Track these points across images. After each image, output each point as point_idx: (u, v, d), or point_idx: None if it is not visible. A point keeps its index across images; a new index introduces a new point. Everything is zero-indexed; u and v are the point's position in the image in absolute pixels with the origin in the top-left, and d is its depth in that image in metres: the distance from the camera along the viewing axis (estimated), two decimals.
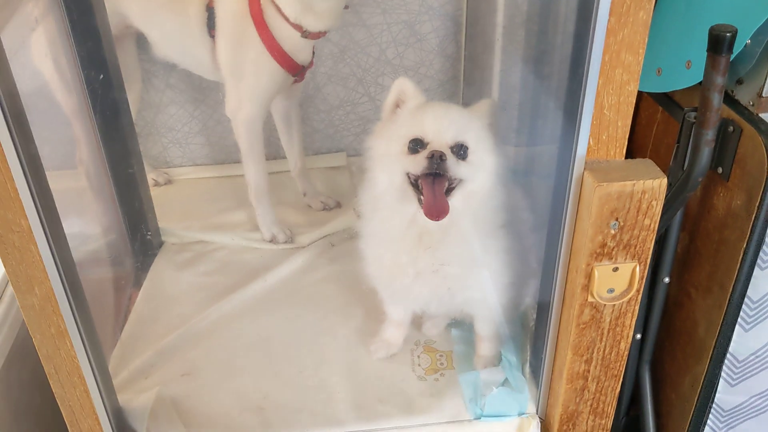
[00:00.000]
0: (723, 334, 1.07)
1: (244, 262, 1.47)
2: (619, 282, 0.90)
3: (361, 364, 1.20)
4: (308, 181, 1.63)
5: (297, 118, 1.56)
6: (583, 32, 0.78)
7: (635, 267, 0.89)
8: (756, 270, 1.01)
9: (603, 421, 1.05)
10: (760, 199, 0.96)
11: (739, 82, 1.02)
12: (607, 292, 0.90)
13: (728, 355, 1.09)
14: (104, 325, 1.25)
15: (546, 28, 1.18)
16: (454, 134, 0.97)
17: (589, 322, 0.93)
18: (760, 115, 0.99)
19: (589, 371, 0.98)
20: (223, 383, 1.17)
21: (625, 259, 0.88)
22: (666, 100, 1.21)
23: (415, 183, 0.97)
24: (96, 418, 0.98)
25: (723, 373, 1.11)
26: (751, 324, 1.06)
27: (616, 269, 0.88)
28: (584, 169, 0.85)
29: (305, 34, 1.30)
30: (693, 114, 1.00)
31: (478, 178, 0.99)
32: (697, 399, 1.15)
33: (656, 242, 1.03)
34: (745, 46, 0.96)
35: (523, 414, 1.09)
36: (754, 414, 1.16)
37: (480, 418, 1.08)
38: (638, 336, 1.20)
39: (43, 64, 1.23)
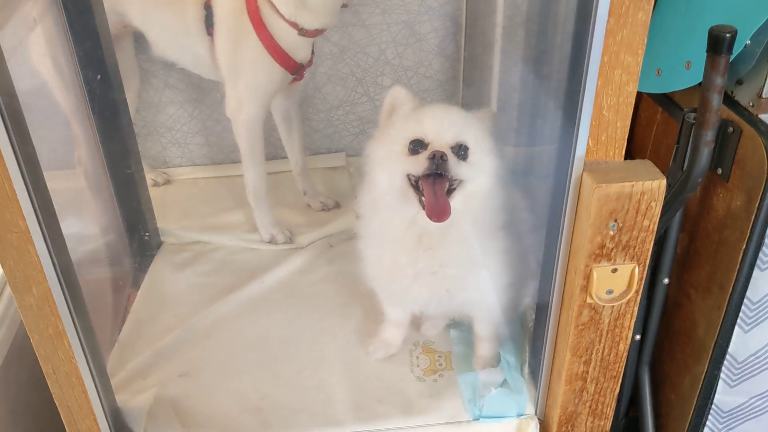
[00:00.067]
0: (722, 335, 1.07)
1: (243, 262, 1.47)
2: (618, 283, 0.89)
3: (360, 365, 1.19)
4: (308, 180, 1.63)
5: (297, 117, 1.56)
6: (582, 33, 0.78)
7: (634, 268, 0.88)
8: (755, 271, 1.01)
9: (602, 423, 1.05)
10: (760, 199, 0.96)
11: (739, 82, 1.02)
12: (606, 293, 0.90)
13: (728, 356, 1.09)
14: (102, 326, 1.25)
15: (545, 28, 1.18)
16: (454, 135, 0.97)
17: (587, 323, 0.93)
18: (759, 115, 0.98)
19: (587, 372, 0.98)
20: (221, 384, 1.16)
21: (624, 260, 0.88)
22: (666, 100, 1.21)
23: (415, 184, 0.97)
24: (94, 418, 0.98)
25: (722, 374, 1.11)
26: (751, 325, 1.06)
27: (615, 270, 0.88)
28: (583, 170, 0.85)
29: (302, 31, 1.30)
30: (693, 115, 1.00)
31: (479, 179, 0.99)
32: (697, 400, 1.15)
33: (656, 243, 1.03)
34: (745, 46, 0.96)
35: (522, 415, 1.08)
36: (754, 415, 1.16)
37: (479, 419, 1.08)
38: (637, 337, 1.19)
39: (42, 64, 1.23)
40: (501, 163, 1.01)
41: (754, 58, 0.97)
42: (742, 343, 1.07)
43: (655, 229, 0.86)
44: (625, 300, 0.91)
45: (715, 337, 1.08)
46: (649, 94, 1.25)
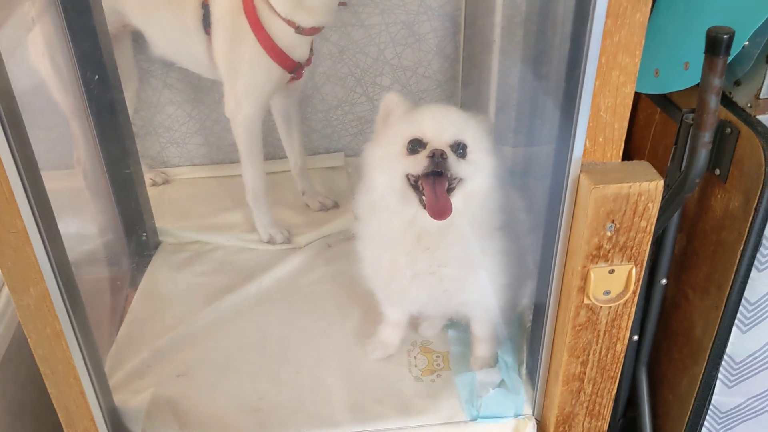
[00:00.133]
0: (720, 336, 1.07)
1: (241, 262, 1.47)
2: (615, 284, 0.89)
3: (358, 365, 1.19)
4: (307, 180, 1.63)
5: (297, 117, 1.56)
6: (579, 34, 0.78)
7: (631, 269, 0.88)
8: (753, 271, 1.01)
9: (599, 423, 1.05)
10: (758, 200, 0.96)
11: (737, 83, 1.02)
12: (603, 294, 0.90)
13: (725, 357, 1.09)
14: (100, 326, 1.25)
15: (544, 29, 1.19)
16: (452, 133, 0.97)
17: (585, 324, 0.93)
18: (757, 116, 0.98)
19: (585, 373, 0.98)
20: (219, 384, 1.16)
21: (621, 261, 0.88)
22: (664, 101, 1.21)
23: (415, 184, 0.97)
24: (92, 418, 0.98)
25: (720, 375, 1.11)
26: (749, 325, 1.06)
27: (612, 271, 0.88)
28: (580, 171, 0.85)
29: (299, 30, 1.30)
30: (691, 115, 1.00)
31: (478, 178, 0.99)
32: (694, 400, 1.15)
33: (653, 243, 1.03)
34: (743, 47, 0.95)
35: (519, 415, 1.08)
36: (752, 416, 1.16)
37: (476, 420, 1.08)
38: (635, 337, 1.19)
39: (40, 64, 1.23)
40: (499, 163, 1.02)
41: (752, 60, 0.97)
42: (739, 343, 1.07)
43: (653, 230, 0.86)
44: (622, 301, 0.91)
45: (713, 338, 1.08)
46: (647, 95, 1.25)
